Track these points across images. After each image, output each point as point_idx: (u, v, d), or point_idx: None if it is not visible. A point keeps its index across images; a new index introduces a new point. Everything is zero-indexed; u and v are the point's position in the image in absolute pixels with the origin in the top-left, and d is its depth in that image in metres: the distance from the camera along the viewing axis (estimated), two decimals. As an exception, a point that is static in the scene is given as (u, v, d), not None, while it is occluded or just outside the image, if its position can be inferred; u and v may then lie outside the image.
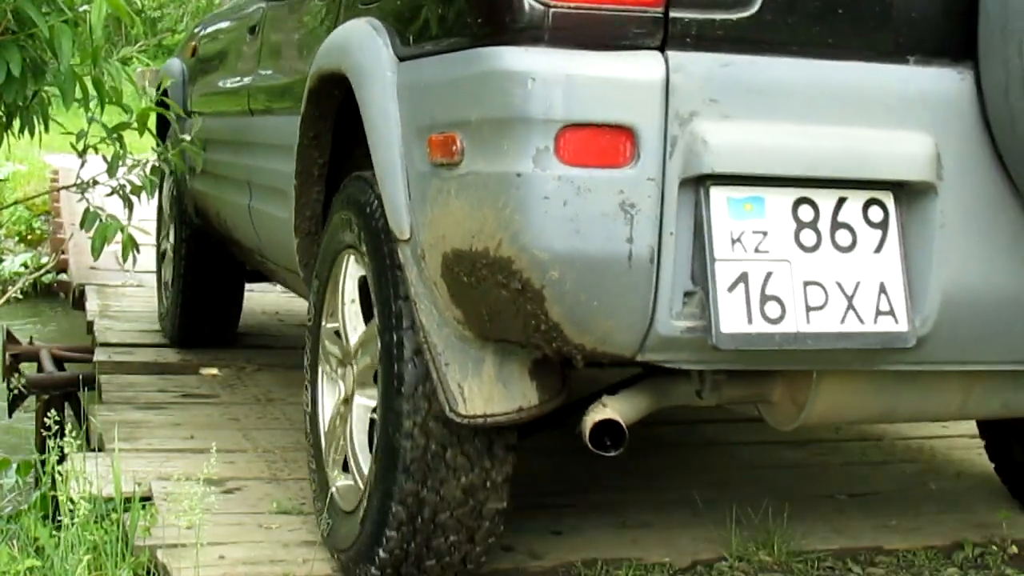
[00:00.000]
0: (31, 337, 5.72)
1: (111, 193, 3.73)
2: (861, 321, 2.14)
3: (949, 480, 3.61)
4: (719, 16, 2.08)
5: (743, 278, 2.08)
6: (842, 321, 2.13)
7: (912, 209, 2.18)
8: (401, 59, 2.40)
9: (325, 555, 2.73)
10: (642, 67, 2.04)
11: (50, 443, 2.91)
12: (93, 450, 3.45)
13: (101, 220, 3.53)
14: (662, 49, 2.06)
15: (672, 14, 2.05)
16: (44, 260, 8.38)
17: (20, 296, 3.92)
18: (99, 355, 4.58)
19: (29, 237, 10.16)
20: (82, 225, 3.58)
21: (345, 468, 2.71)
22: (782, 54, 2.12)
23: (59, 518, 2.79)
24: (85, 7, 3.16)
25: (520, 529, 2.98)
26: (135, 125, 3.59)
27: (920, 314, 2.18)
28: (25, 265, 9.27)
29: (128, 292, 5.98)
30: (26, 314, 8.49)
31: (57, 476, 2.87)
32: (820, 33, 2.13)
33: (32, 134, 3.41)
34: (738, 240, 2.09)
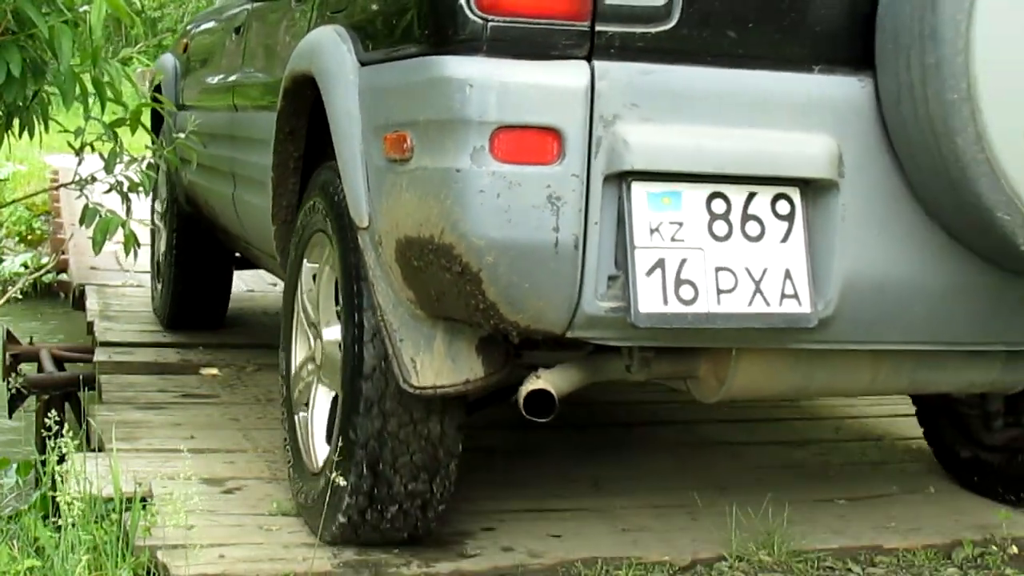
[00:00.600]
0: (31, 337, 5.72)
1: (109, 190, 3.73)
2: (767, 303, 2.36)
3: (949, 480, 3.61)
4: (640, 30, 2.31)
5: (660, 264, 2.31)
6: (750, 303, 2.35)
7: (816, 203, 2.40)
8: (362, 64, 2.63)
9: (325, 555, 2.73)
10: (569, 75, 2.28)
11: (49, 444, 2.91)
12: (93, 450, 3.45)
13: (101, 216, 3.53)
14: (588, 59, 2.29)
15: (598, 28, 2.28)
16: (44, 260, 8.39)
17: (20, 296, 3.91)
18: (99, 355, 4.58)
19: (29, 237, 10.16)
20: (81, 221, 3.58)
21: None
22: (698, 63, 2.35)
23: (58, 520, 2.79)
24: (85, 7, 3.16)
25: (520, 530, 2.99)
26: (130, 121, 3.60)
27: (823, 298, 2.41)
28: (25, 265, 9.26)
29: (128, 292, 5.98)
30: (26, 314, 8.49)
31: (56, 476, 2.86)
32: (732, 44, 2.37)
33: (32, 135, 3.41)
34: (656, 230, 2.32)
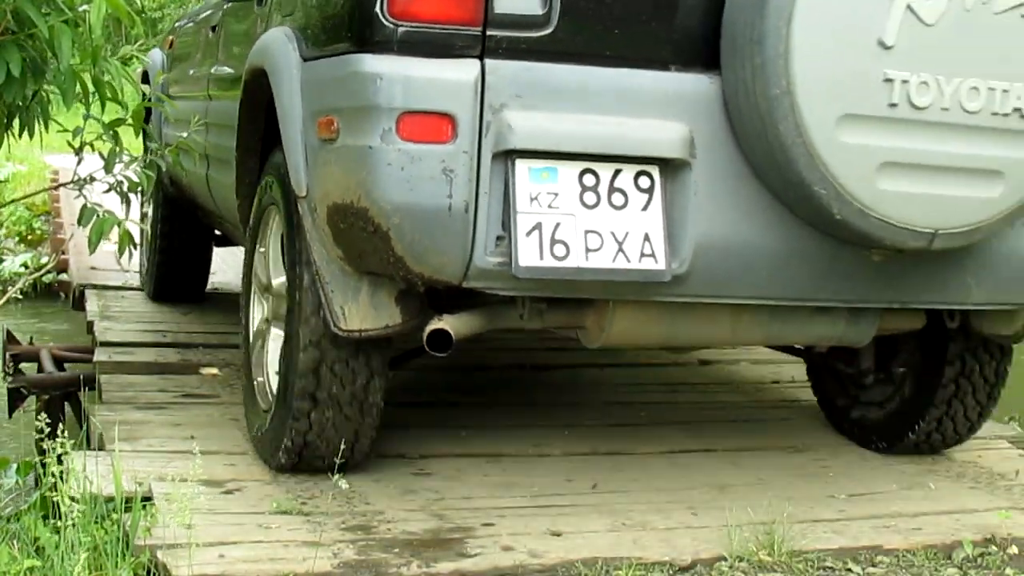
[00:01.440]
0: (31, 337, 5.72)
1: (108, 190, 3.74)
2: (628, 260, 2.79)
3: (949, 480, 3.61)
4: (524, 34, 2.76)
5: (538, 226, 2.75)
6: (613, 260, 2.78)
7: (672, 179, 2.84)
8: (304, 60, 3.08)
9: (325, 555, 2.73)
10: (463, 71, 2.72)
11: (47, 444, 2.91)
12: (93, 450, 3.45)
13: (98, 216, 3.53)
14: (480, 58, 2.73)
15: (488, 32, 2.73)
16: (44, 260, 8.39)
17: (20, 296, 3.92)
18: (99, 355, 4.58)
19: (29, 237, 10.17)
20: (80, 221, 3.58)
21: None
22: (572, 63, 2.79)
23: (58, 521, 2.79)
24: (85, 7, 3.16)
25: (520, 530, 2.99)
26: (131, 121, 3.61)
27: (677, 257, 2.85)
28: (25, 265, 9.27)
29: (128, 293, 5.98)
30: (26, 314, 8.49)
31: (52, 476, 2.86)
32: (602, 47, 2.81)
33: (32, 135, 3.41)
34: (535, 199, 2.75)
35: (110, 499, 2.86)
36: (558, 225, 2.76)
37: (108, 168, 3.65)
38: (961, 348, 3.70)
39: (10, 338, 5.46)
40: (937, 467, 3.74)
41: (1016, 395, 6.95)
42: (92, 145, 3.64)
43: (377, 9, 2.73)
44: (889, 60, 2.74)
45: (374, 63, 2.74)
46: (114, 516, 2.79)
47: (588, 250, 2.77)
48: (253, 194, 3.57)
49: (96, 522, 2.76)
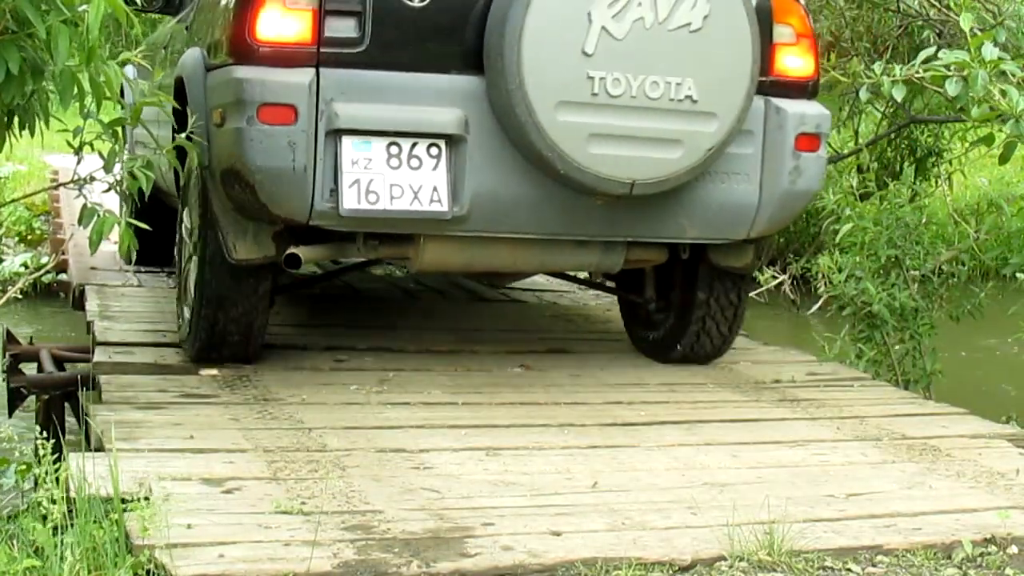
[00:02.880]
0: (31, 337, 5.71)
1: (108, 189, 3.73)
2: (421, 204, 3.99)
3: (949, 479, 3.61)
4: (345, 50, 3.96)
5: (357, 181, 3.94)
6: (411, 204, 3.97)
7: (454, 148, 4.04)
8: (207, 70, 4.24)
9: (325, 554, 2.73)
10: (303, 76, 3.92)
11: (44, 447, 2.91)
12: (93, 450, 3.45)
13: (99, 215, 3.52)
14: (316, 67, 3.93)
15: (321, 50, 3.93)
16: (44, 260, 8.38)
17: (20, 296, 3.91)
18: (99, 355, 4.58)
19: (29, 237, 10.16)
20: (80, 221, 3.58)
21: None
22: (380, 70, 4.00)
23: (51, 523, 2.79)
24: (84, 7, 3.16)
25: (520, 529, 2.98)
26: (130, 121, 3.61)
27: (458, 203, 4.04)
28: (25, 265, 9.25)
29: (128, 292, 5.98)
30: (26, 314, 8.48)
31: (47, 478, 2.86)
32: (401, 59, 4.01)
33: (32, 133, 3.41)
34: (355, 162, 3.94)
35: (109, 499, 2.85)
36: (371, 180, 3.96)
37: (108, 168, 3.66)
38: (707, 279, 4.80)
39: (10, 338, 5.46)
40: (937, 466, 3.74)
41: (1016, 395, 6.96)
42: (92, 145, 3.64)
43: (246, 35, 3.93)
44: (590, 64, 3.97)
45: (243, 71, 3.94)
46: (113, 516, 2.79)
47: (392, 197, 3.97)
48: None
49: (95, 522, 2.76)
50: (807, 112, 4.38)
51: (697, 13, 4.03)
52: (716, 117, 4.12)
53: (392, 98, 3.98)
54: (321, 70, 3.91)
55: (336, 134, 3.91)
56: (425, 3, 4.01)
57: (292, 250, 4.24)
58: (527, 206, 4.15)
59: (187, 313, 4.56)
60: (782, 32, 4.35)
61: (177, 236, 4.81)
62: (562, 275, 5.85)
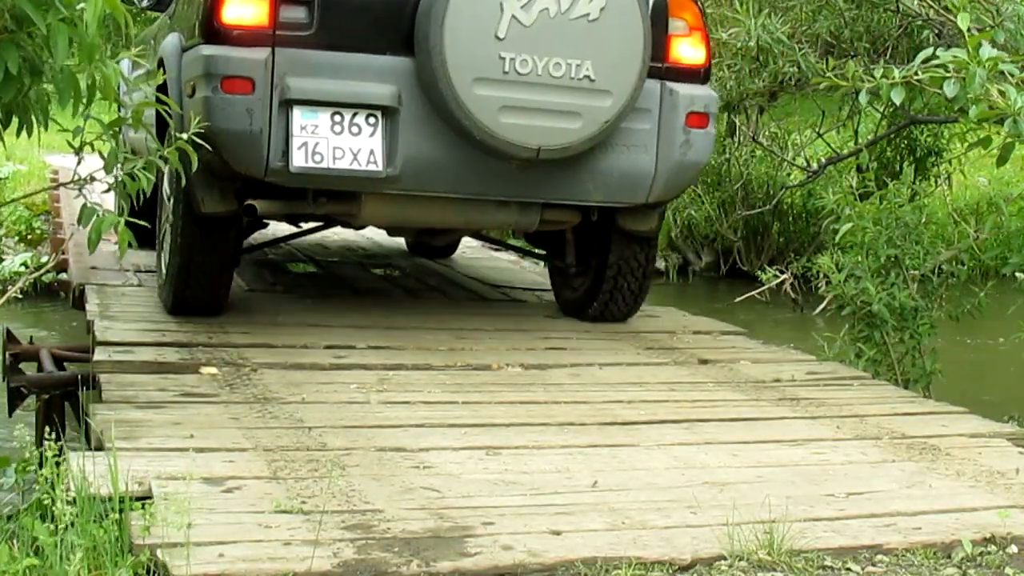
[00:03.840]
0: (31, 337, 5.71)
1: (108, 189, 3.73)
2: (360, 165, 4.64)
3: (949, 479, 3.61)
4: (296, 33, 4.60)
5: (305, 144, 4.58)
6: (351, 164, 4.62)
7: (389, 118, 4.70)
8: (183, 50, 4.90)
9: (325, 554, 2.73)
10: (260, 53, 4.55)
11: (52, 448, 2.91)
12: (92, 449, 3.45)
13: (98, 215, 3.52)
14: (272, 46, 4.56)
15: (276, 32, 4.57)
16: (44, 260, 8.37)
17: (20, 296, 3.91)
18: (99, 354, 4.57)
19: (29, 237, 10.17)
20: (80, 220, 3.58)
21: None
22: (327, 50, 4.65)
23: (52, 524, 2.79)
24: (82, 5, 3.16)
25: (520, 529, 2.98)
26: (131, 122, 3.61)
27: (392, 165, 4.70)
28: (25, 265, 9.26)
29: (128, 292, 5.98)
30: (26, 314, 8.48)
31: (45, 478, 2.86)
32: (344, 41, 4.67)
33: (30, 133, 3.41)
34: (304, 128, 4.59)
35: (109, 498, 2.85)
36: (317, 143, 4.60)
37: (108, 168, 3.65)
38: (618, 244, 5.47)
39: (10, 337, 5.46)
40: (937, 465, 3.74)
41: (1016, 395, 6.95)
42: (92, 145, 3.64)
43: (213, 19, 4.58)
44: (502, 46, 4.63)
45: (209, 49, 4.59)
46: (113, 515, 2.79)
47: (335, 158, 4.62)
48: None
49: (95, 521, 2.76)
50: (697, 94, 5.08)
51: (595, 5, 4.70)
52: (611, 94, 4.79)
53: (336, 74, 4.65)
54: (276, 49, 4.57)
55: (288, 104, 4.58)
56: None
57: (250, 202, 5.00)
58: (451, 169, 4.81)
59: (163, 267, 5.34)
60: (677, 25, 5.04)
61: (157, 200, 5.48)
62: (503, 243, 7.31)
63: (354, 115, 4.62)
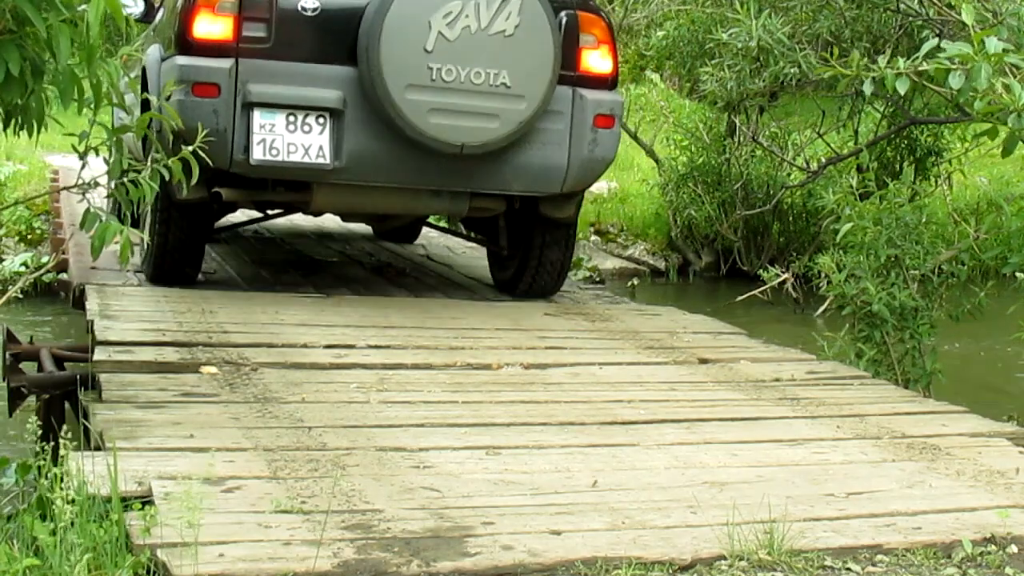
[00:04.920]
0: (31, 337, 5.71)
1: (110, 195, 3.74)
2: (311, 158, 5.43)
3: (949, 478, 3.61)
4: (257, 46, 5.37)
5: (263, 140, 5.35)
6: (302, 157, 5.41)
7: (336, 119, 5.48)
8: (162, 60, 5.61)
9: (325, 554, 2.73)
10: (225, 63, 5.33)
11: (65, 447, 2.91)
12: (92, 449, 3.44)
13: (101, 220, 3.52)
14: (236, 57, 5.34)
15: (240, 45, 5.33)
16: (44, 260, 8.37)
17: (20, 296, 3.91)
18: (99, 354, 4.57)
19: (29, 237, 10.16)
20: (82, 226, 3.59)
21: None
22: (283, 60, 5.41)
23: (53, 524, 2.79)
24: (83, 6, 3.16)
25: (520, 528, 2.98)
26: (135, 130, 3.61)
27: (338, 159, 5.48)
28: (25, 265, 9.26)
29: (128, 291, 5.97)
30: (26, 314, 8.48)
31: (47, 478, 2.86)
32: (297, 53, 5.44)
33: (30, 134, 3.41)
34: (263, 126, 5.35)
35: (109, 499, 2.85)
36: (274, 140, 5.41)
37: (113, 175, 3.66)
38: (541, 229, 6.23)
39: (10, 337, 5.45)
40: (937, 465, 3.74)
41: (1016, 395, 6.95)
42: (96, 150, 3.64)
43: (186, 34, 5.36)
44: (430, 58, 5.42)
45: (183, 60, 5.36)
46: (113, 515, 2.79)
47: (289, 153, 5.44)
48: None
49: (95, 521, 2.76)
50: (604, 99, 5.84)
51: (510, 23, 5.48)
52: (525, 99, 5.57)
53: (291, 81, 5.44)
54: (239, 60, 5.37)
55: (249, 106, 5.38)
56: (316, 14, 5.48)
57: (217, 189, 5.77)
58: (390, 162, 5.59)
59: (145, 243, 5.93)
60: (587, 39, 5.78)
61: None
62: (449, 231, 8.16)
63: (306, 116, 5.43)
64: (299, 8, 5.45)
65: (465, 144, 5.51)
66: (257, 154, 5.34)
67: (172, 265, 5.97)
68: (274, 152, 5.36)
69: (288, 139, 5.37)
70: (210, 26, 5.33)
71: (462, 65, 5.41)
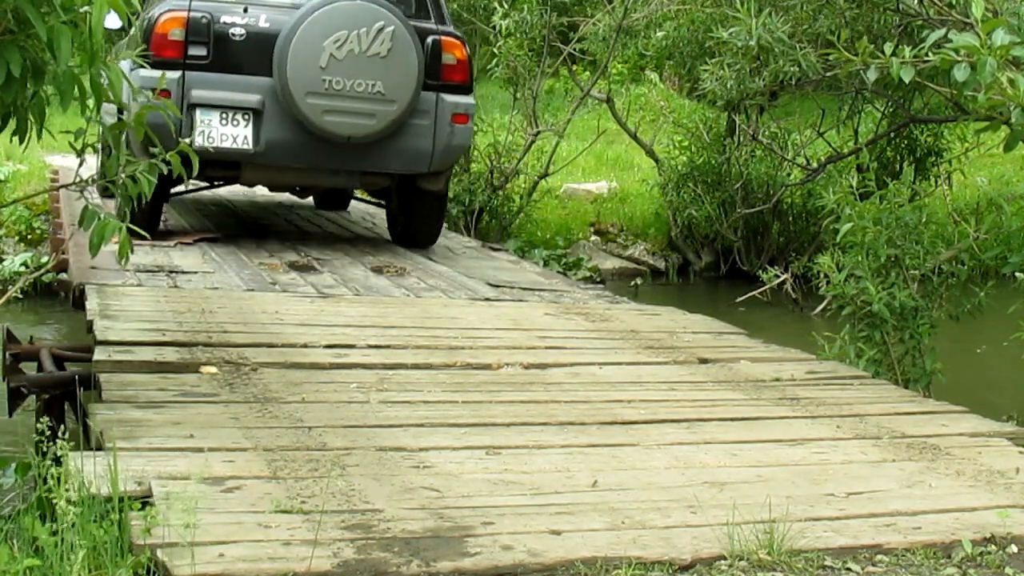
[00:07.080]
0: (31, 337, 5.71)
1: (108, 191, 3.74)
2: (237, 145, 7.32)
3: (949, 478, 3.61)
4: (199, 62, 7.28)
5: (203, 131, 7.22)
6: (232, 144, 7.31)
7: (257, 116, 7.34)
8: (131, 70, 6.69)
9: (325, 554, 2.73)
10: (175, 75, 7.21)
11: (64, 448, 2.90)
12: (92, 449, 3.44)
13: (100, 218, 3.52)
14: (183, 70, 7.26)
15: (187, 60, 7.26)
16: (44, 260, 8.38)
17: (20, 296, 3.91)
18: (98, 354, 4.57)
19: (29, 237, 10.17)
20: (81, 223, 3.58)
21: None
22: (218, 72, 7.30)
23: (54, 524, 2.78)
24: (85, 8, 3.16)
25: (520, 528, 2.98)
26: (133, 126, 3.61)
27: (259, 145, 7.34)
28: (25, 264, 9.27)
29: (128, 291, 5.98)
30: (26, 314, 8.49)
31: (50, 477, 2.86)
32: (229, 67, 7.33)
33: (24, 138, 3.41)
34: (202, 121, 7.24)
35: (109, 499, 2.85)
36: (211, 131, 7.16)
37: (111, 172, 3.65)
38: (420, 197, 8.08)
39: (10, 337, 5.45)
40: (937, 465, 3.74)
41: (1016, 395, 6.95)
42: (94, 148, 3.64)
43: (147, 50, 6.86)
44: (324, 72, 7.17)
45: (144, 72, 6.76)
46: (113, 515, 2.79)
47: (222, 141, 7.19)
48: None
49: (95, 521, 2.76)
50: (460, 101, 7.67)
51: (384, 47, 7.26)
52: (396, 103, 7.33)
53: (224, 88, 7.20)
54: (186, 72, 7.17)
55: (192, 106, 7.14)
56: (243, 38, 7.28)
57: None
58: (297, 148, 7.37)
59: (115, 209, 6.90)
60: (448, 57, 7.64)
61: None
62: (364, 200, 10.01)
63: (234, 114, 7.26)
64: (230, 34, 7.30)
65: (351, 136, 7.36)
66: (199, 142, 7.02)
67: (136, 224, 6.93)
68: (211, 140, 7.14)
69: (221, 131, 7.22)
70: (165, 48, 7.21)
71: (348, 77, 7.23)
